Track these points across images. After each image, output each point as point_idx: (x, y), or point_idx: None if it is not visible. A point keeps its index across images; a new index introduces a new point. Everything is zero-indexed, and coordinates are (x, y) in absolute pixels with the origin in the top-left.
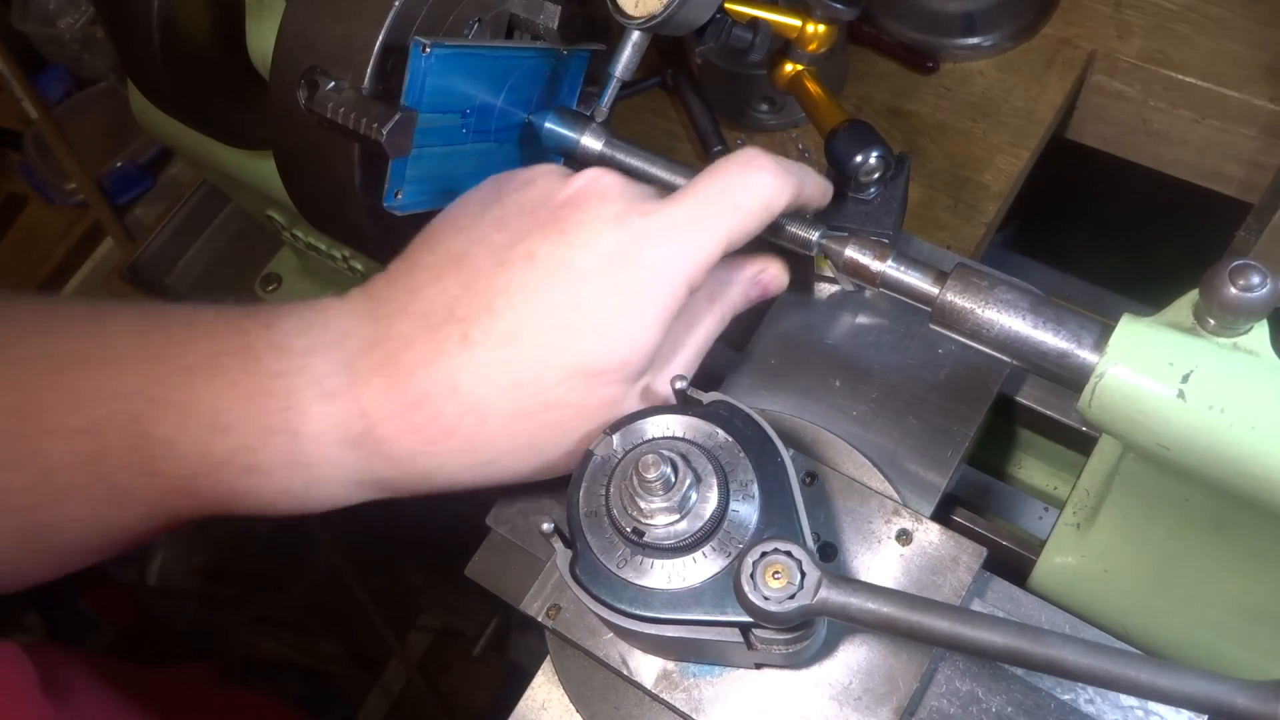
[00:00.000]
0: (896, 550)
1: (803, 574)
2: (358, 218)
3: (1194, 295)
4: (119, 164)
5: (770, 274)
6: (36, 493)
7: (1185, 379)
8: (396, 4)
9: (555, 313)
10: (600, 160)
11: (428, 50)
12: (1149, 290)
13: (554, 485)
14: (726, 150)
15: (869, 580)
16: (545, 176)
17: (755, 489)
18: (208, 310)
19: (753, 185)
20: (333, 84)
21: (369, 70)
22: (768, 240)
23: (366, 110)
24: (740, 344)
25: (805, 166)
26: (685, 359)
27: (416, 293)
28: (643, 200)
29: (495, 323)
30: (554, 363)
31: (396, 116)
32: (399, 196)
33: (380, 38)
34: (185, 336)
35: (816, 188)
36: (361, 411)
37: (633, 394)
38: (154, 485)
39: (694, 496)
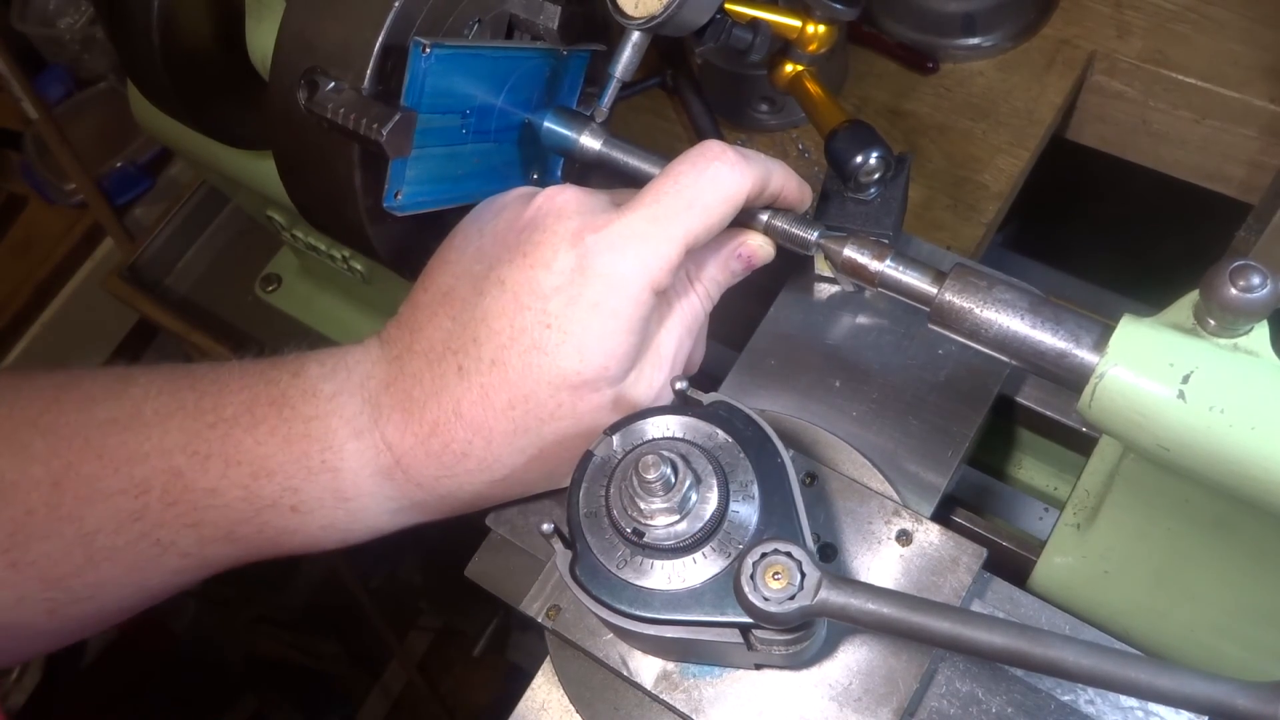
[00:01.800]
0: (896, 551)
1: (803, 575)
2: (358, 218)
3: (1194, 296)
4: (119, 164)
5: (750, 245)
6: (74, 558)
7: (1185, 379)
8: (396, 4)
9: (528, 333)
10: (599, 160)
11: (428, 50)
12: (1149, 290)
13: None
14: None
15: (869, 581)
16: (513, 203)
17: (755, 489)
18: (234, 365)
19: (708, 180)
20: (332, 84)
21: (369, 71)
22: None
23: (366, 111)
24: (740, 344)
25: (774, 160)
26: (673, 347)
27: (419, 331)
28: (598, 213)
29: (481, 351)
30: (538, 380)
31: (396, 117)
32: (399, 197)
33: (380, 38)
34: (216, 391)
35: (787, 179)
36: (387, 445)
37: (623, 393)
38: (195, 536)
39: (694, 497)
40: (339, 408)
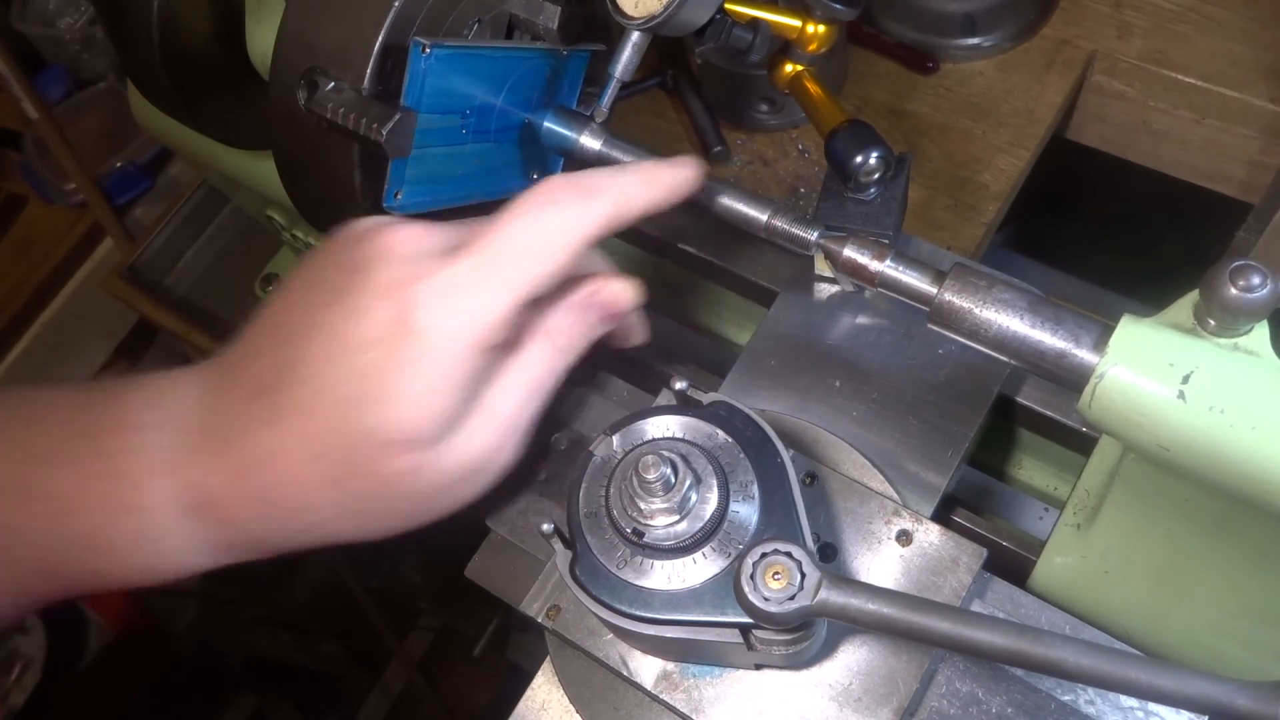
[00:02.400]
0: (896, 551)
1: (803, 575)
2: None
3: (1194, 296)
4: (119, 164)
5: (606, 293)
6: None
7: (1185, 379)
8: (396, 4)
9: (337, 386)
10: (599, 160)
11: (427, 51)
12: (1149, 290)
13: (554, 487)
14: (726, 150)
15: (869, 581)
16: (357, 234)
17: (755, 489)
18: (61, 392)
19: (543, 224)
20: (332, 84)
21: (369, 71)
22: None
23: (366, 111)
24: (736, 343)
25: (630, 170)
26: (512, 408)
27: (243, 362)
28: (427, 259)
29: (296, 395)
30: (345, 435)
31: (396, 117)
32: (399, 197)
33: (380, 38)
34: (34, 421)
35: (650, 187)
36: (197, 482)
37: (442, 456)
38: (11, 571)
39: (694, 497)
40: (150, 442)
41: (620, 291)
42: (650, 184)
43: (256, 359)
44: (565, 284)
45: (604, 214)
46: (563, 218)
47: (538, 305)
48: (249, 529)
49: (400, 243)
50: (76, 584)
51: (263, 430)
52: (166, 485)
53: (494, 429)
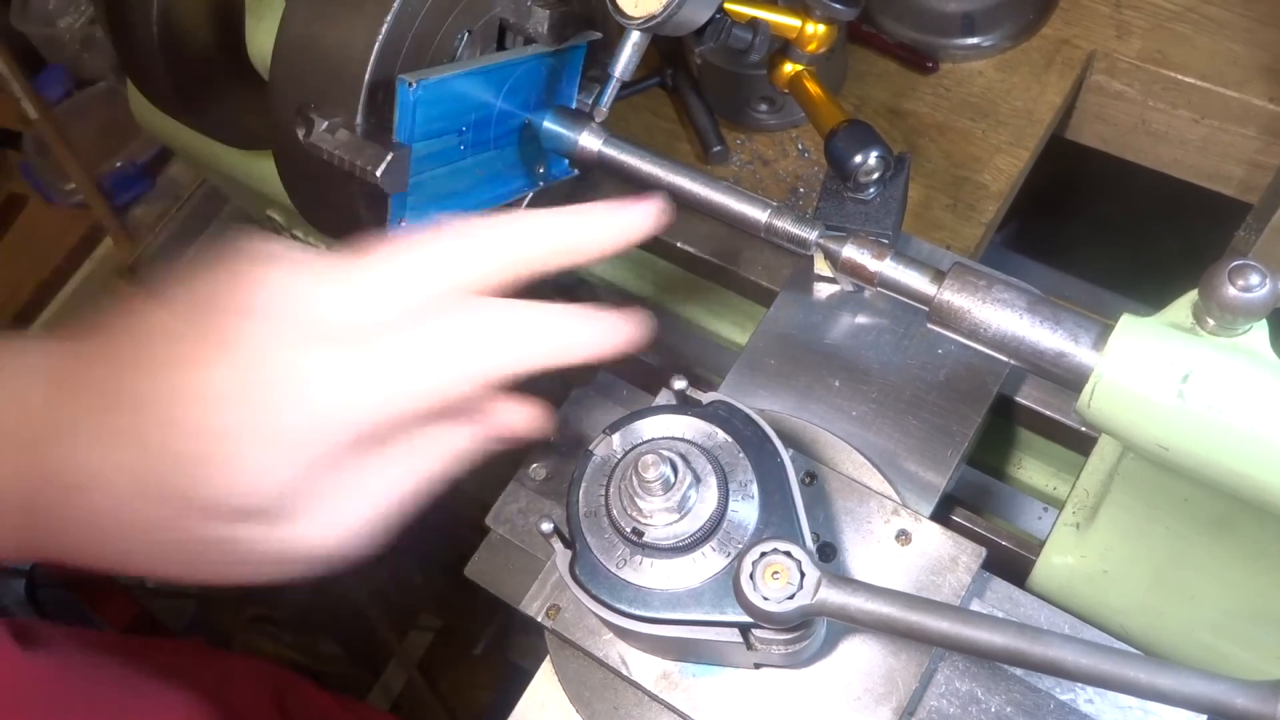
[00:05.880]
0: (896, 550)
1: (802, 574)
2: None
3: (1193, 295)
4: (119, 164)
5: (506, 420)
6: None
7: (1185, 379)
8: (379, 40)
9: (181, 438)
10: (599, 159)
11: (414, 85)
12: (1149, 290)
13: (554, 486)
14: (725, 150)
15: (868, 580)
16: (256, 276)
17: (755, 489)
18: None
19: (464, 359)
20: (326, 124)
21: (359, 109)
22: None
23: (360, 152)
24: (736, 343)
25: (555, 312)
26: (366, 507)
27: (100, 363)
28: (326, 333)
29: (136, 424)
30: (172, 486)
31: (389, 157)
32: (403, 224)
33: (366, 77)
34: None
35: (573, 332)
36: (24, 478)
37: (272, 536)
38: None
39: (693, 496)
40: None
41: (517, 421)
42: (555, 329)
43: (113, 364)
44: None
45: (523, 362)
46: (489, 357)
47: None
48: (62, 539)
49: (303, 302)
50: None
51: (94, 449)
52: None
53: (341, 522)
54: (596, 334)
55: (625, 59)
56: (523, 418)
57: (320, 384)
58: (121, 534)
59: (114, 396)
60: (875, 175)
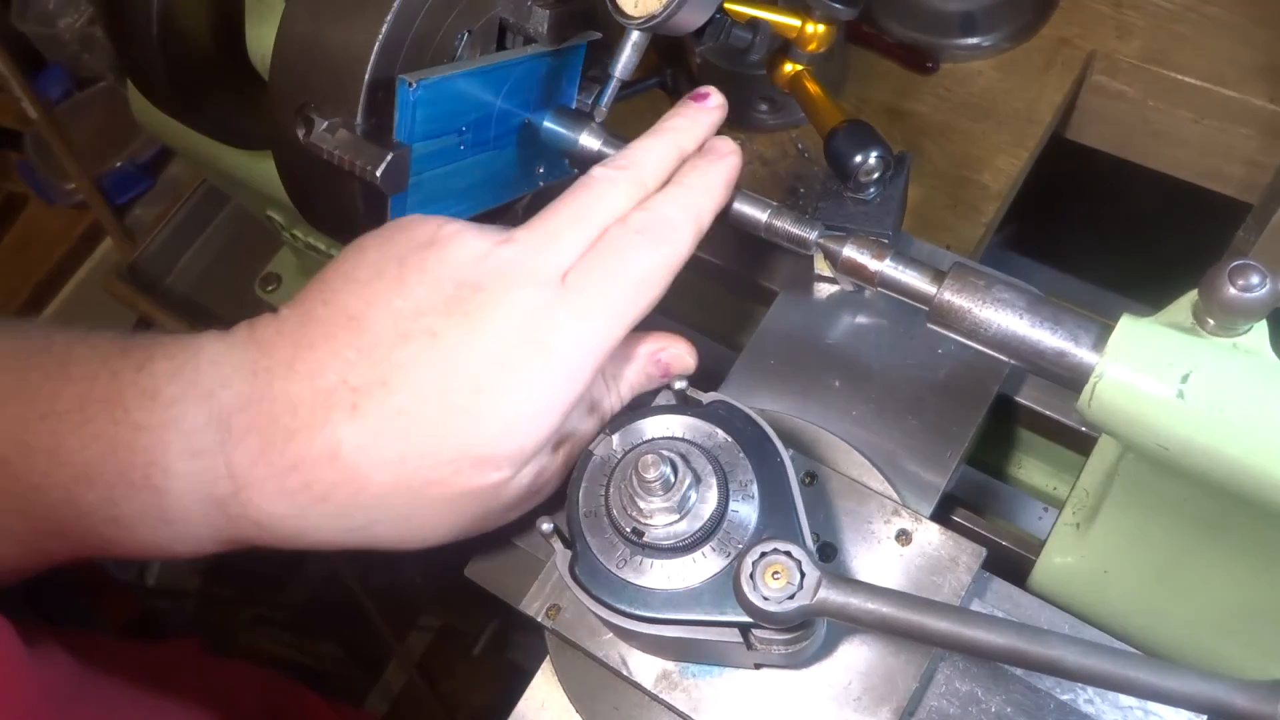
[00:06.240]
0: (896, 550)
1: (802, 574)
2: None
3: (1193, 295)
4: (119, 164)
5: (671, 353)
6: None
7: (1185, 379)
8: (380, 40)
9: (453, 395)
10: (599, 159)
11: (414, 85)
12: (1149, 290)
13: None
14: None
15: (869, 580)
16: (453, 240)
17: (755, 489)
18: (85, 345)
19: (646, 261)
20: (326, 124)
21: (359, 108)
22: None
23: (360, 152)
24: (739, 344)
25: (700, 181)
26: (582, 435)
27: (308, 349)
28: (546, 284)
29: (390, 398)
30: (445, 445)
31: (389, 157)
32: None
33: (367, 76)
34: (59, 376)
35: (720, 191)
36: (230, 473)
37: (520, 477)
38: (28, 527)
39: (693, 496)
40: (177, 418)
41: (682, 355)
42: (711, 196)
43: (327, 348)
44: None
45: (686, 245)
46: (657, 255)
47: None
48: (281, 526)
49: (523, 263)
50: (88, 548)
51: (334, 427)
52: (193, 469)
53: (564, 454)
54: (721, 180)
55: (625, 59)
56: (682, 347)
57: (578, 330)
58: (360, 503)
59: (349, 374)
60: (875, 175)
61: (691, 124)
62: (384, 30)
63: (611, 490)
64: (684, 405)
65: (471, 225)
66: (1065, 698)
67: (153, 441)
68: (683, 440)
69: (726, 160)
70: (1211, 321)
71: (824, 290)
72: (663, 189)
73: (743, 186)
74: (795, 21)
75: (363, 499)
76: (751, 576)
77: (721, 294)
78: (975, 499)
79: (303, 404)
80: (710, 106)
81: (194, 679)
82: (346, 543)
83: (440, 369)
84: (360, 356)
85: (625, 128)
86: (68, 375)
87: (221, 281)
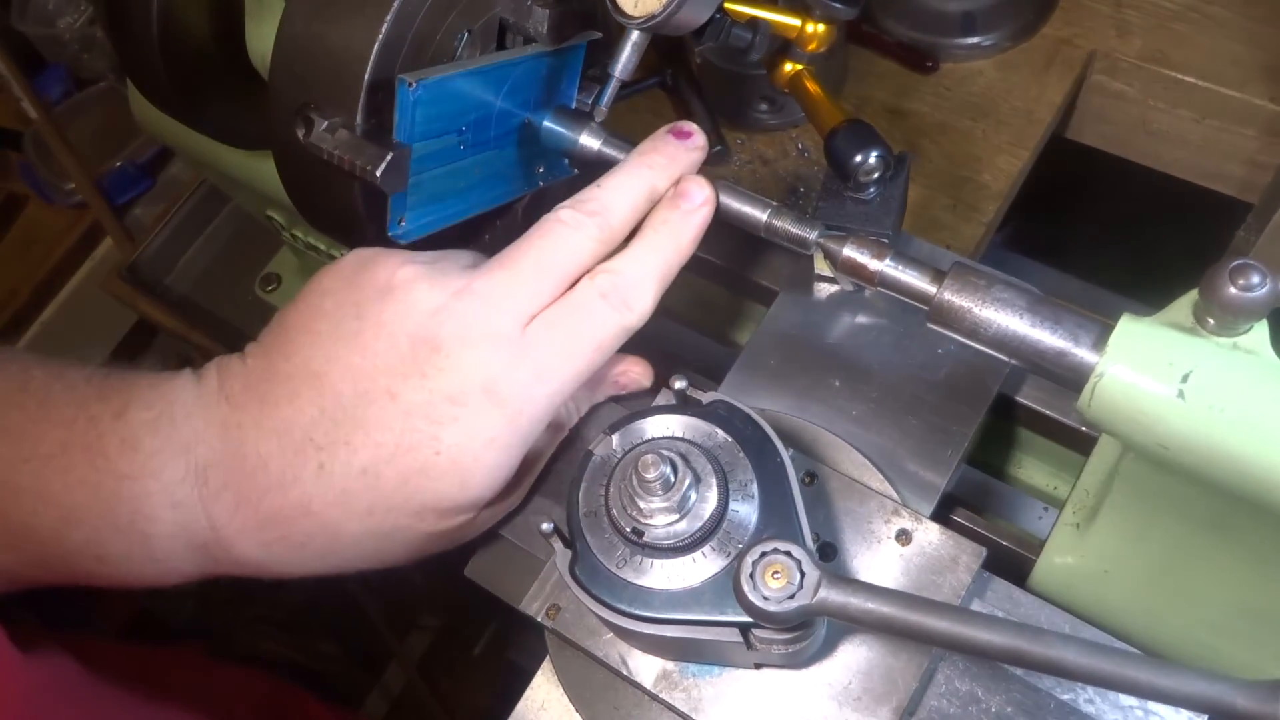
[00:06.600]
0: (896, 550)
1: (802, 574)
2: (369, 239)
3: (1194, 295)
4: (119, 164)
5: (631, 376)
6: None
7: (1185, 379)
8: (379, 41)
9: (413, 454)
10: (599, 159)
11: (414, 85)
12: (1149, 290)
13: (554, 486)
14: (726, 150)
15: (869, 580)
16: (409, 291)
17: (755, 489)
18: (62, 384)
19: (606, 325)
20: (326, 124)
21: (359, 109)
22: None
23: (360, 152)
24: (736, 343)
25: (659, 239)
26: (541, 462)
27: (273, 407)
28: (506, 343)
29: (354, 458)
30: (408, 501)
31: (389, 156)
32: (402, 224)
33: (366, 76)
34: (40, 419)
35: (684, 243)
36: (210, 523)
37: (480, 516)
38: (16, 559)
39: (693, 496)
40: (158, 469)
41: (640, 376)
42: (679, 250)
43: (292, 406)
44: None
45: (649, 306)
46: (616, 318)
47: None
48: (260, 568)
49: (480, 320)
50: (73, 580)
51: (304, 485)
52: (176, 519)
53: (525, 483)
54: (690, 233)
55: (625, 59)
56: (644, 373)
57: (526, 392)
58: (333, 548)
59: (313, 433)
60: (875, 175)
61: (669, 162)
62: (384, 30)
63: (611, 490)
64: (684, 405)
65: (430, 271)
66: (1065, 697)
67: (136, 491)
68: (683, 440)
69: (699, 214)
70: (1212, 321)
71: (824, 290)
72: (631, 243)
73: (743, 186)
74: (795, 21)
75: (337, 545)
76: (751, 576)
77: (721, 294)
78: (975, 499)
79: (273, 461)
80: (691, 146)
81: (193, 683)
82: (324, 573)
83: (399, 430)
84: (324, 415)
85: (625, 127)
86: (48, 418)
87: (221, 281)
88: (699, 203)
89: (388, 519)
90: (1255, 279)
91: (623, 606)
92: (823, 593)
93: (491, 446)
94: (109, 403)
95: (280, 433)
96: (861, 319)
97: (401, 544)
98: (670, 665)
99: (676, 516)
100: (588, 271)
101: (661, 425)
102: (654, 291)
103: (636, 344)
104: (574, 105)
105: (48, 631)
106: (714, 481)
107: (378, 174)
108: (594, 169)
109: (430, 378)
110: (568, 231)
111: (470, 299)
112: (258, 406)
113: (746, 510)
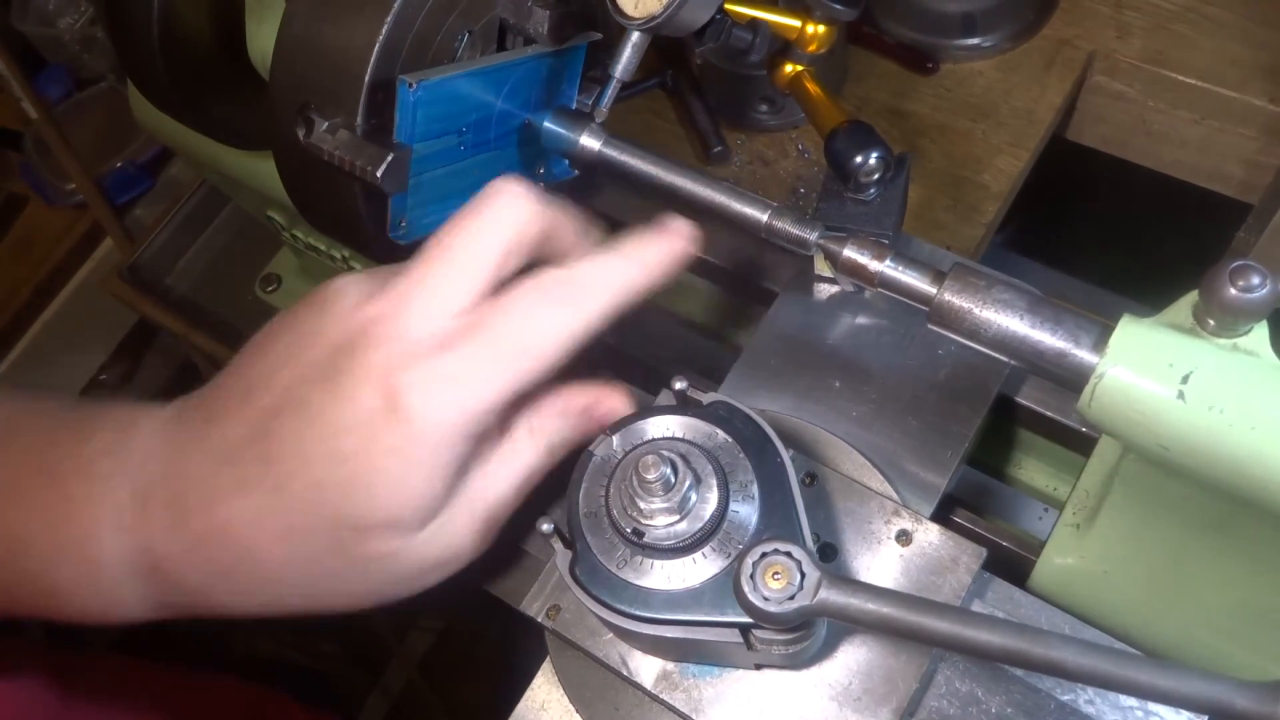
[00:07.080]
0: (896, 551)
1: (802, 574)
2: (369, 239)
3: (1194, 296)
4: (119, 164)
5: (607, 407)
6: None
7: (1185, 380)
8: (380, 41)
9: (318, 467)
10: (599, 159)
11: (414, 86)
12: (1149, 290)
13: (554, 486)
14: (726, 150)
15: (869, 581)
16: (337, 295)
17: (755, 489)
18: (30, 415)
19: (537, 325)
20: (326, 124)
21: (360, 109)
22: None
23: (360, 152)
24: (736, 343)
25: (623, 257)
26: (494, 497)
27: (212, 424)
28: (416, 343)
29: (268, 473)
30: (320, 518)
31: (389, 157)
32: (403, 225)
33: (367, 77)
34: (5, 447)
35: (645, 273)
36: (148, 546)
37: (416, 545)
38: None
39: (694, 497)
40: (109, 492)
41: (618, 408)
42: (644, 270)
43: (226, 423)
44: (556, 381)
45: (598, 314)
46: (557, 319)
47: (527, 396)
48: (203, 596)
49: (388, 321)
50: (24, 611)
51: (224, 503)
52: (120, 543)
53: (474, 518)
54: (662, 257)
55: (625, 59)
56: (621, 404)
57: (435, 392)
58: (264, 576)
59: (237, 449)
60: (875, 176)
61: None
62: (384, 31)
63: (612, 491)
64: (684, 405)
65: (368, 275)
66: (1065, 698)
67: (85, 518)
68: (683, 440)
69: (678, 240)
70: (1212, 322)
71: (824, 290)
72: (589, 250)
73: (743, 187)
74: (795, 22)
75: (260, 574)
76: (752, 577)
77: (721, 294)
78: (975, 499)
79: (202, 479)
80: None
81: (176, 697)
82: (263, 613)
83: (305, 440)
84: (247, 430)
85: (625, 128)
86: (10, 445)
87: (221, 281)
88: (680, 232)
89: (306, 541)
90: (1255, 280)
91: (623, 607)
92: (823, 593)
93: (395, 459)
94: (75, 430)
95: (210, 450)
96: (862, 320)
97: (331, 578)
98: (670, 666)
99: (677, 517)
100: (528, 264)
101: (662, 426)
102: (604, 296)
103: (636, 344)
104: (574, 106)
105: (27, 650)
106: (714, 482)
107: (378, 175)
108: (594, 169)
109: (332, 382)
110: (504, 213)
111: (380, 301)
112: (201, 424)
113: (747, 511)
